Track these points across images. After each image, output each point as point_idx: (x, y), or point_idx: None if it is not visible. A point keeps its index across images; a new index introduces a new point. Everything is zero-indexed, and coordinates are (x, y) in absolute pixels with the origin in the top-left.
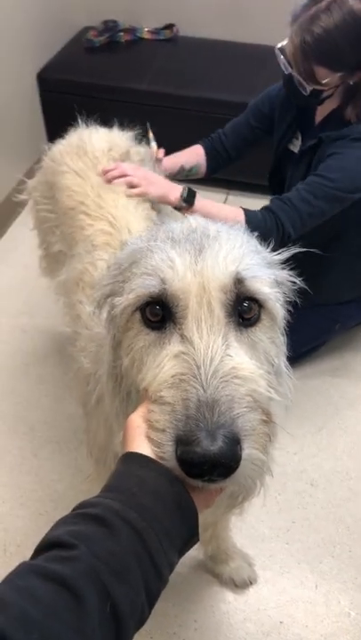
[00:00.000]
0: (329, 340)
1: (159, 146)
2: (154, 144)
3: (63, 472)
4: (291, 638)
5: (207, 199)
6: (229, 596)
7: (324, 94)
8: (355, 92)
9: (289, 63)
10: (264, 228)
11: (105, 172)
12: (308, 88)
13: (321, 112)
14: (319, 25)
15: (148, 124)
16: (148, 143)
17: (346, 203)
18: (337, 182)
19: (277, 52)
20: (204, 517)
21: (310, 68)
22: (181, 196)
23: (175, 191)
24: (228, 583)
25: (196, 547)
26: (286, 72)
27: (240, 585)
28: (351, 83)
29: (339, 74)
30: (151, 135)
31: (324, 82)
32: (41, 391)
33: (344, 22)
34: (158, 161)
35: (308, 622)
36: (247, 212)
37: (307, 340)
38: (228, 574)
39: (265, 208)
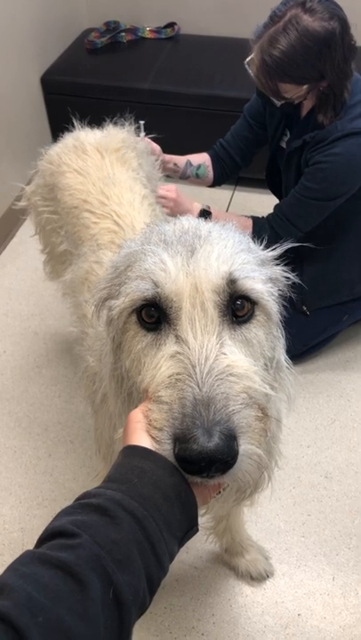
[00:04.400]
0: (339, 332)
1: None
2: (142, 134)
3: (78, 471)
4: (309, 630)
5: (221, 212)
6: (247, 589)
7: (296, 101)
8: (325, 97)
9: None
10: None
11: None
12: (278, 103)
13: (306, 105)
14: (277, 47)
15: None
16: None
17: (336, 205)
18: (323, 192)
19: (246, 65)
20: (214, 511)
21: (275, 85)
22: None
23: (193, 214)
24: (244, 576)
25: (211, 540)
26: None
27: (256, 577)
28: (321, 88)
29: (304, 86)
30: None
31: (289, 96)
32: (54, 392)
33: (300, 42)
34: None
35: (325, 614)
36: (254, 224)
37: (316, 333)
38: (244, 567)
39: (267, 221)
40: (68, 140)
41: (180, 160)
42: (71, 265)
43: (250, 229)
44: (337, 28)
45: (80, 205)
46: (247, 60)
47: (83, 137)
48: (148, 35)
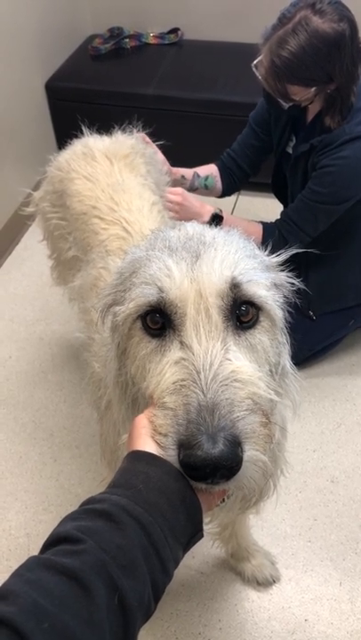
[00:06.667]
0: (345, 337)
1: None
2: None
3: (83, 476)
4: (316, 636)
5: (232, 217)
6: (253, 594)
7: (304, 103)
8: (332, 100)
9: None
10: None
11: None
12: (286, 105)
13: (312, 110)
14: (287, 48)
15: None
16: None
17: (344, 209)
18: (331, 196)
19: (254, 68)
20: (220, 519)
21: (283, 87)
22: (208, 222)
23: (204, 217)
24: (250, 581)
25: (217, 545)
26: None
27: (262, 582)
28: (328, 91)
29: (312, 88)
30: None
31: (297, 98)
32: (59, 397)
33: (310, 43)
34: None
35: (333, 620)
36: (264, 230)
37: (322, 338)
38: (250, 572)
39: (276, 227)
40: (77, 146)
41: (188, 172)
42: (80, 271)
43: (259, 235)
44: (346, 29)
45: (89, 211)
46: (255, 62)
47: (91, 144)
48: (151, 40)
